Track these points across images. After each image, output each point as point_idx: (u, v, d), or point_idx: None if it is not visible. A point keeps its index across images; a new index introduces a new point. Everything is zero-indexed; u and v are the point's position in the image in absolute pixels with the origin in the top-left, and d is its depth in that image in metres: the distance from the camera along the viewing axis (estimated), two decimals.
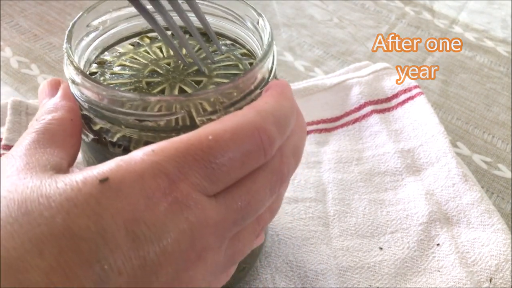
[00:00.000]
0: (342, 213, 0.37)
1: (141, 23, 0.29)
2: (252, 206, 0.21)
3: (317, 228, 0.36)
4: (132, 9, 0.28)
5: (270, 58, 0.24)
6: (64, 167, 0.21)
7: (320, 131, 0.43)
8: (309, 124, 0.44)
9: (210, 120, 0.22)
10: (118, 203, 0.17)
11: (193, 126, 0.22)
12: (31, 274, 0.16)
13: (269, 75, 0.24)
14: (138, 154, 0.19)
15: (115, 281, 0.17)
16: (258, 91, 0.24)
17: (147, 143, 0.23)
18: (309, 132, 0.43)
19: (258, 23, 0.27)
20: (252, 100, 0.23)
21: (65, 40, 0.24)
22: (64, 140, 0.22)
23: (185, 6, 0.26)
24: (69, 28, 0.25)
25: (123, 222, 0.17)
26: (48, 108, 0.23)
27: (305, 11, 0.62)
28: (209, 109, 0.22)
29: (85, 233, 0.17)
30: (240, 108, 0.22)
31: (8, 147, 0.38)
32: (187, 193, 0.19)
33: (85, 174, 0.18)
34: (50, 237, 0.16)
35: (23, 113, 0.40)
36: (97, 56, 0.28)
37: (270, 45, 0.24)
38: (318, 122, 0.44)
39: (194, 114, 0.22)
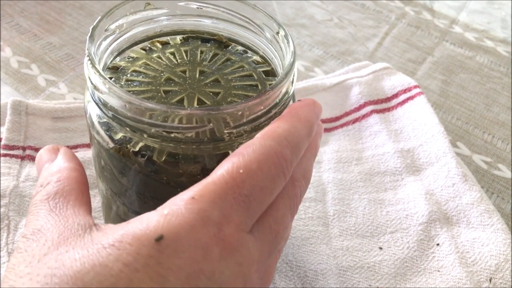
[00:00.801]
0: (342, 213, 0.37)
1: (155, 26, 0.29)
2: (281, 235, 0.22)
3: (316, 228, 0.36)
4: (148, 13, 0.28)
5: (293, 73, 0.25)
6: (92, 224, 0.20)
7: None
8: None
9: (237, 132, 0.23)
10: (178, 260, 0.17)
11: (218, 138, 0.23)
12: None
13: (291, 87, 0.25)
14: (181, 205, 0.19)
15: None
16: (281, 104, 0.24)
17: (169, 153, 0.23)
18: None
19: (278, 33, 0.27)
20: (275, 113, 0.24)
21: (87, 46, 0.24)
22: (77, 198, 0.22)
23: (199, 11, 0.27)
24: (90, 33, 0.25)
25: (186, 278, 0.17)
26: (52, 170, 0.23)
27: (305, 11, 0.62)
28: (235, 122, 0.23)
29: None
30: (265, 121, 0.23)
31: (8, 147, 0.38)
32: (233, 236, 0.19)
33: (135, 233, 0.18)
34: None
35: (23, 113, 0.40)
36: (111, 61, 0.28)
37: (293, 63, 0.25)
38: None
39: (222, 126, 0.22)
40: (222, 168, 0.20)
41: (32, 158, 0.38)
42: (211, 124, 0.22)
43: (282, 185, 0.22)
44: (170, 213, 0.18)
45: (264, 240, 0.21)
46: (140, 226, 0.18)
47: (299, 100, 0.25)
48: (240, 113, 0.22)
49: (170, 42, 0.29)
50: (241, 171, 0.20)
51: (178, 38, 0.29)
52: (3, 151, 0.38)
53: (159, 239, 0.17)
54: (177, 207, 0.19)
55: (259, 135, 0.22)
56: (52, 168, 0.24)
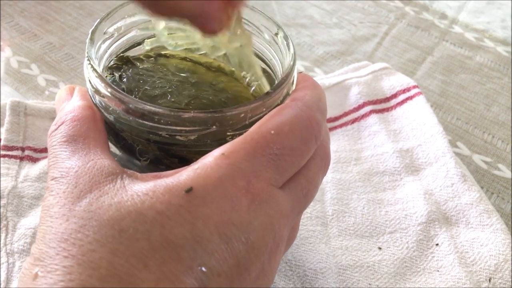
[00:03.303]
0: (341, 213, 0.37)
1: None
2: (311, 193, 0.23)
3: (315, 227, 0.36)
4: (145, 15, 0.28)
5: (293, 74, 0.25)
6: (121, 170, 0.21)
7: None
8: None
9: (240, 134, 0.23)
10: (207, 209, 0.18)
11: (221, 140, 0.23)
12: (142, 286, 0.17)
13: (292, 89, 0.25)
14: (211, 160, 0.20)
15: (214, 282, 0.18)
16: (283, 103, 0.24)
17: (173, 155, 0.23)
18: None
19: (277, 35, 0.27)
20: None
21: (87, 50, 0.24)
22: (96, 138, 0.22)
23: None
24: (89, 36, 0.25)
25: (214, 226, 0.18)
26: (67, 110, 0.24)
27: (305, 11, 0.62)
28: (238, 124, 0.23)
29: (182, 242, 0.18)
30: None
31: (7, 148, 0.38)
32: (262, 189, 0.20)
33: (167, 185, 0.19)
34: (152, 250, 0.17)
35: (21, 113, 0.40)
36: (109, 64, 0.28)
37: (294, 64, 0.25)
38: None
39: (225, 129, 0.23)
40: (254, 129, 0.21)
41: (31, 159, 0.38)
42: (214, 127, 0.22)
43: (314, 148, 0.22)
44: (200, 167, 0.19)
45: (295, 197, 0.22)
46: (171, 179, 0.19)
47: (299, 72, 0.26)
48: (242, 115, 0.22)
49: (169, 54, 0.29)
50: (272, 132, 0.21)
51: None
52: (2, 152, 0.38)
53: (189, 190, 0.19)
54: (207, 162, 0.20)
55: (290, 100, 0.23)
56: (67, 107, 0.24)
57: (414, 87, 0.46)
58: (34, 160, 0.38)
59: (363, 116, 0.44)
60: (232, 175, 0.19)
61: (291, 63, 0.25)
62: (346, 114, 0.45)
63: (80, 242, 0.17)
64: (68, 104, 0.24)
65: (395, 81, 0.47)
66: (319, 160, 0.23)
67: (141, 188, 0.19)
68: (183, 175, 0.19)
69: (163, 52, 0.29)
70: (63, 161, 0.21)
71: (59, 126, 0.23)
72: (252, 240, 0.19)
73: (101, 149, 0.22)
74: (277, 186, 0.21)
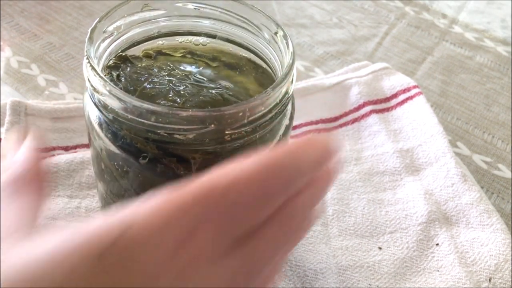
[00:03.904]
0: (341, 213, 0.37)
1: (153, 27, 0.29)
2: (262, 261, 0.20)
3: (315, 227, 0.36)
4: (145, 14, 0.28)
5: (292, 73, 0.25)
6: (38, 222, 0.19)
7: (319, 131, 0.43)
8: (308, 124, 0.44)
9: (239, 133, 0.23)
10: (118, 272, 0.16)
11: (220, 139, 0.23)
12: None
13: (291, 88, 0.25)
14: (145, 213, 0.17)
15: None
16: (282, 104, 0.24)
17: (171, 154, 0.23)
18: (308, 132, 0.43)
19: (276, 34, 0.27)
20: (276, 113, 0.24)
21: (86, 48, 0.24)
22: (35, 189, 0.21)
23: (197, 12, 0.27)
24: (88, 35, 0.25)
25: None
26: (16, 158, 0.23)
27: (305, 11, 0.62)
28: (236, 122, 0.23)
29: None
30: (265, 121, 0.23)
31: None
32: (195, 258, 0.17)
33: (80, 242, 0.16)
34: None
35: (22, 113, 0.40)
36: (108, 63, 0.28)
37: (293, 63, 0.25)
38: (317, 122, 0.44)
39: (223, 127, 0.22)
40: (198, 182, 0.18)
41: None
42: (212, 125, 0.22)
43: (265, 211, 0.19)
44: (127, 221, 0.17)
45: (236, 268, 0.19)
46: (85, 233, 0.17)
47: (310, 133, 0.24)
48: (241, 114, 0.22)
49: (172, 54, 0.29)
50: (217, 190, 0.18)
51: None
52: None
53: (102, 253, 0.16)
54: (138, 216, 0.17)
55: (256, 155, 0.20)
56: (17, 155, 0.23)
57: (414, 87, 0.46)
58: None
59: (363, 116, 0.44)
60: (162, 238, 0.16)
61: (290, 61, 0.25)
62: (346, 114, 0.45)
63: None
64: (18, 152, 0.23)
65: (395, 81, 0.47)
66: (277, 228, 0.20)
67: (47, 244, 0.17)
68: (101, 228, 0.16)
69: (162, 50, 0.29)
70: None
71: (5, 172, 0.22)
72: None
73: (33, 199, 0.21)
74: (214, 257, 0.18)
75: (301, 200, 0.21)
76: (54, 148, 0.39)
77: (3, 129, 0.39)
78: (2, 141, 0.25)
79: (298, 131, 0.43)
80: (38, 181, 0.22)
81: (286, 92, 0.24)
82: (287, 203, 0.20)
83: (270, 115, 0.24)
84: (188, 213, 0.17)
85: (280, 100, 0.24)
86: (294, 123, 0.43)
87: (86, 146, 0.40)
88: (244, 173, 0.18)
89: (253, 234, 0.19)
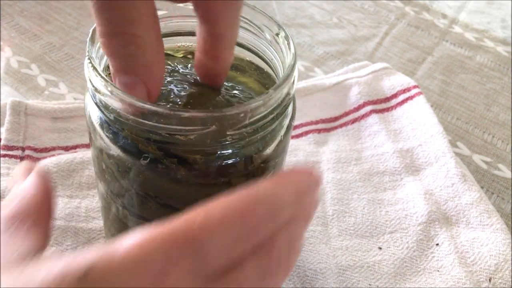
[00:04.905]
0: (341, 213, 0.37)
1: None
2: None
3: (315, 227, 0.36)
4: None
5: (294, 74, 0.25)
6: (33, 254, 0.20)
7: (319, 131, 0.43)
8: (308, 124, 0.44)
9: (240, 134, 0.23)
10: None
11: (222, 139, 0.22)
12: None
13: (292, 89, 0.25)
14: (122, 245, 0.17)
15: None
16: (283, 105, 0.24)
17: (172, 155, 0.23)
18: (308, 132, 0.43)
19: (278, 35, 0.27)
20: (278, 114, 0.24)
21: (88, 48, 0.24)
22: (35, 221, 0.21)
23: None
24: (90, 35, 0.25)
25: None
26: (17, 191, 0.23)
27: (305, 11, 0.62)
28: (237, 123, 0.22)
29: None
30: (266, 122, 0.23)
31: (7, 147, 0.38)
32: (178, 282, 0.17)
33: (64, 269, 0.17)
34: None
35: (22, 113, 0.40)
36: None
37: (294, 64, 0.25)
38: (317, 122, 0.44)
39: (225, 128, 0.22)
40: (184, 217, 0.18)
41: (31, 159, 0.38)
42: (213, 126, 0.22)
43: (246, 247, 0.20)
44: (107, 253, 0.17)
45: None
46: (71, 262, 0.17)
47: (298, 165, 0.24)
48: (242, 115, 0.22)
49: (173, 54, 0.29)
50: (196, 225, 0.18)
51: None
52: (2, 152, 0.38)
53: (82, 277, 0.16)
54: (117, 248, 0.17)
55: (238, 191, 0.20)
56: (19, 189, 0.23)
57: (414, 87, 0.46)
58: (34, 160, 0.38)
59: (363, 116, 0.44)
60: (137, 272, 0.17)
61: (292, 62, 0.25)
62: (346, 114, 0.45)
63: None
64: (21, 186, 0.23)
65: (395, 81, 0.47)
66: (257, 262, 0.20)
67: (34, 275, 0.17)
68: (84, 259, 0.17)
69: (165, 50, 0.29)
70: None
71: (7, 206, 0.22)
72: None
73: (33, 232, 0.21)
74: (193, 284, 0.18)
75: (281, 235, 0.21)
76: (54, 148, 0.39)
77: (3, 129, 0.39)
78: (13, 172, 0.25)
79: (298, 131, 0.43)
80: (39, 212, 0.22)
81: (288, 93, 0.24)
82: (269, 238, 0.20)
83: (271, 116, 0.24)
84: (163, 251, 0.17)
85: (282, 101, 0.24)
86: (295, 123, 0.43)
87: (86, 146, 0.40)
88: (221, 211, 0.18)
89: (234, 268, 0.19)
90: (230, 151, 0.24)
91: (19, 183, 0.24)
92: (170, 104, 0.25)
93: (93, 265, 0.17)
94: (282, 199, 0.20)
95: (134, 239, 0.18)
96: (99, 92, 0.23)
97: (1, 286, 0.17)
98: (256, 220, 0.19)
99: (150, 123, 0.22)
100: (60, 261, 0.17)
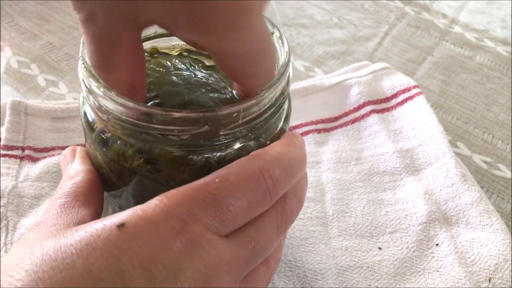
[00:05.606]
0: (341, 213, 0.37)
1: (149, 28, 0.29)
2: (262, 245, 0.22)
3: (315, 228, 0.36)
4: None
5: (287, 73, 0.25)
6: (85, 220, 0.22)
7: (319, 131, 0.43)
8: (308, 124, 0.44)
9: (233, 133, 0.23)
10: (134, 244, 0.19)
11: (215, 139, 0.23)
12: None
13: (287, 88, 0.25)
14: (152, 202, 0.20)
15: None
16: (277, 105, 0.24)
17: (166, 155, 0.23)
18: (308, 132, 0.43)
19: (272, 34, 0.27)
20: (271, 114, 0.24)
21: (81, 49, 0.24)
22: (86, 199, 0.24)
23: None
24: (83, 37, 0.25)
25: (139, 262, 0.18)
26: (69, 174, 0.26)
27: (305, 11, 0.62)
28: (231, 123, 0.23)
29: (103, 274, 0.18)
30: (260, 122, 0.23)
31: (7, 147, 0.38)
32: (199, 233, 0.20)
33: (104, 221, 0.19)
34: (72, 280, 0.18)
35: (22, 113, 0.40)
36: None
37: (287, 63, 0.25)
38: (317, 122, 0.44)
39: (218, 128, 0.22)
40: (202, 177, 0.21)
41: (31, 158, 0.38)
42: (206, 126, 0.22)
43: (266, 203, 0.22)
44: (140, 208, 0.20)
45: (240, 246, 0.21)
46: (113, 217, 0.20)
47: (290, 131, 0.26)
48: (235, 114, 0.22)
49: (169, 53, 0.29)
50: (217, 180, 0.21)
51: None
52: (2, 151, 0.38)
53: (120, 225, 0.19)
54: (148, 203, 0.20)
55: (252, 153, 0.23)
56: (70, 171, 0.26)
57: (414, 87, 0.46)
58: (34, 159, 0.38)
59: (363, 116, 0.44)
60: (166, 216, 0.19)
61: (286, 60, 0.25)
62: (346, 114, 0.45)
63: (21, 271, 0.18)
64: (71, 168, 0.26)
65: (395, 81, 0.47)
66: (275, 214, 0.23)
67: (83, 227, 0.20)
68: (124, 214, 0.20)
69: (159, 49, 0.29)
70: (45, 213, 0.23)
71: (63, 188, 0.25)
72: (180, 281, 0.19)
73: (85, 207, 0.24)
74: (217, 234, 0.20)
75: (291, 192, 0.24)
76: (54, 148, 0.39)
77: (3, 129, 0.39)
78: (61, 156, 0.28)
79: (298, 131, 0.43)
80: (88, 191, 0.25)
81: (282, 93, 0.24)
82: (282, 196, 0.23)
83: (265, 116, 0.24)
84: (186, 207, 0.20)
85: (276, 101, 0.24)
86: (295, 123, 0.43)
87: None
88: (236, 173, 0.21)
89: (255, 218, 0.22)
90: (223, 151, 0.23)
91: (70, 165, 0.27)
92: (163, 103, 0.25)
93: (127, 218, 0.19)
94: (294, 159, 0.24)
95: (159, 198, 0.20)
96: (92, 93, 0.23)
97: (55, 243, 0.19)
98: (270, 177, 0.22)
99: (143, 123, 0.22)
100: (102, 220, 0.20)
